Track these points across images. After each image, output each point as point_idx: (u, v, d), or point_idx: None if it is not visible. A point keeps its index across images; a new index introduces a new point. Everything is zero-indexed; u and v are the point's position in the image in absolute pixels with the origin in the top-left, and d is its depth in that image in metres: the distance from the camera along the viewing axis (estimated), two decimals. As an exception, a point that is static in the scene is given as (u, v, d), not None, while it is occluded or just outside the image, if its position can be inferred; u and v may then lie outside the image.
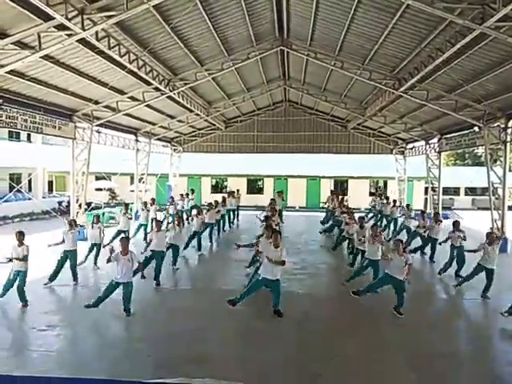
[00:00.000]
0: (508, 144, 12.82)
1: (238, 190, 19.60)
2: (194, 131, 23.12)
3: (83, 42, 8.86)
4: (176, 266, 10.58)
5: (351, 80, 14.39)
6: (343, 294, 8.79)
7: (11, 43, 8.07)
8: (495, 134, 12.99)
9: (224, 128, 22.93)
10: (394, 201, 17.10)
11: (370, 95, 15.92)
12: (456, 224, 10.13)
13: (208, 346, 6.13)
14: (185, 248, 12.07)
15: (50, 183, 29.57)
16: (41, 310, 7.61)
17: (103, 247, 10.28)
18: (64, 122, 13.36)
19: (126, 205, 13.61)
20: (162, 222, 10.95)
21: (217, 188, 29.94)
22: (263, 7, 10.47)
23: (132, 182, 22.93)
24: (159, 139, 21.56)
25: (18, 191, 19.93)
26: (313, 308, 7.77)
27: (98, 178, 24.96)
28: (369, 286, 7.76)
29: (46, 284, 8.93)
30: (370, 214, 19.43)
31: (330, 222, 16.52)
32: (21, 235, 7.74)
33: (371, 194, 26.31)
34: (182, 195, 18.98)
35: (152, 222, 10.67)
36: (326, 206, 19.35)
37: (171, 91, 13.53)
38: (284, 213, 18.36)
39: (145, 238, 13.09)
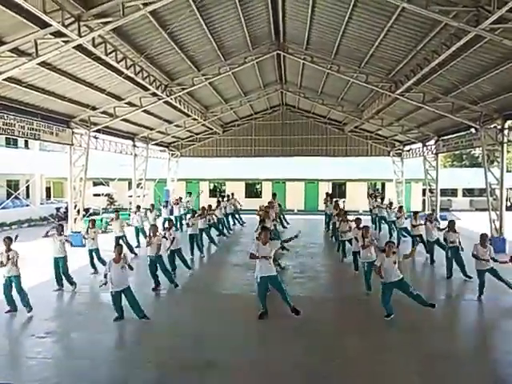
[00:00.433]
0: (505, 145, 12.89)
1: (232, 194, 19.32)
2: (191, 136, 23.14)
3: (80, 48, 8.89)
4: (190, 271, 10.64)
5: (348, 83, 14.42)
6: (344, 296, 8.80)
7: (8, 50, 8.08)
8: (492, 135, 13.02)
9: (221, 132, 22.97)
10: (391, 203, 17.05)
11: (367, 98, 15.97)
12: (451, 224, 10.06)
13: (212, 352, 6.05)
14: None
15: (48, 189, 29.52)
16: (40, 316, 7.56)
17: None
18: (61, 128, 13.38)
19: (117, 211, 13.83)
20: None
21: (215, 192, 29.93)
22: (259, 11, 10.52)
23: (130, 188, 22.89)
24: (157, 144, 21.58)
25: (16, 198, 19.94)
26: (314, 311, 7.74)
27: (95, 184, 24.96)
28: (383, 303, 7.35)
29: (55, 290, 9.08)
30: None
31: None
32: (9, 240, 7.75)
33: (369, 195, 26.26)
34: (176, 199, 18.70)
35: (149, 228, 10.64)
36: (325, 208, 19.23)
37: (168, 96, 13.57)
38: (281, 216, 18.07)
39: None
